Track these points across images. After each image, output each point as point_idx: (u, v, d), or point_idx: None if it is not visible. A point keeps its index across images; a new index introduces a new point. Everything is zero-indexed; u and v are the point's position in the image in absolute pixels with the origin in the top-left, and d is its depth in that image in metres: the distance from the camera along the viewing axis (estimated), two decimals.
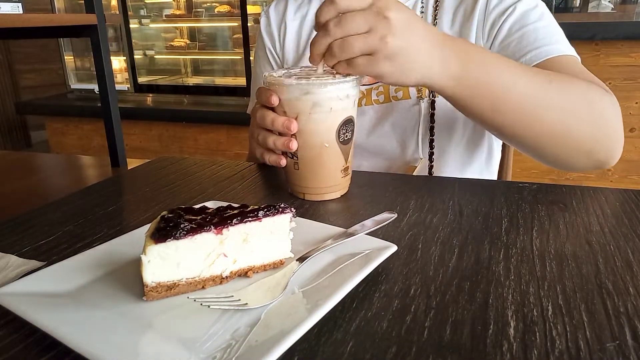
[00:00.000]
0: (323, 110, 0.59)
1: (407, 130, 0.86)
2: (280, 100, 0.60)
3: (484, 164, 0.90)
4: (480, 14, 0.81)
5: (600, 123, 0.66)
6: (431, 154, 0.86)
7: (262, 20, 0.97)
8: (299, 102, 0.59)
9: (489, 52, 0.63)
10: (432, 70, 0.58)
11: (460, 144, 0.87)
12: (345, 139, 0.61)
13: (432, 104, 0.83)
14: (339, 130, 0.60)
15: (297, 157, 0.62)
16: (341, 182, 0.64)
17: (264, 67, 0.98)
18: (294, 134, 0.60)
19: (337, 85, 0.58)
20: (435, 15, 0.84)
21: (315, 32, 0.57)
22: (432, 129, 0.85)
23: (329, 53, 0.56)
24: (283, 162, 0.64)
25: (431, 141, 0.85)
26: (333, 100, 0.59)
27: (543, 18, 0.77)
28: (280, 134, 0.62)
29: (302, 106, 0.59)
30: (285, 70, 0.65)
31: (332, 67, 0.58)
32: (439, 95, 0.82)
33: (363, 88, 0.87)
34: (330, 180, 0.63)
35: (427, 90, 0.83)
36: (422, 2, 0.86)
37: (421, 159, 0.86)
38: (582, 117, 0.64)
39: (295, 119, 0.60)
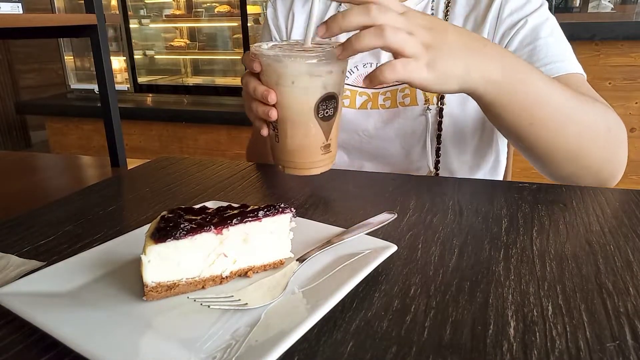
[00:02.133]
0: (300, 84, 0.57)
1: (413, 137, 0.85)
2: (262, 68, 0.59)
3: (490, 172, 0.89)
4: (491, 23, 0.80)
5: (614, 147, 0.68)
6: (437, 162, 0.85)
7: (269, 11, 0.96)
8: (275, 72, 0.58)
9: (522, 59, 0.63)
10: (472, 75, 0.57)
11: (467, 153, 0.86)
12: (326, 115, 0.60)
13: (440, 111, 0.82)
14: (318, 105, 0.59)
15: (277, 130, 0.61)
16: (321, 159, 0.63)
17: None
18: (274, 105, 0.59)
19: (317, 59, 0.56)
20: None
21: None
22: (439, 136, 0.84)
23: (370, 35, 0.52)
24: (264, 131, 0.63)
25: (437, 149, 0.84)
26: (310, 74, 0.57)
27: (553, 33, 0.77)
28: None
29: (279, 77, 0.58)
30: (275, 42, 0.64)
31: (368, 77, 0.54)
32: (446, 103, 0.82)
33: (370, 91, 0.86)
34: (309, 156, 0.62)
35: (434, 98, 0.82)
36: (432, 9, 0.84)
37: (431, 171, 0.86)
38: (599, 139, 0.66)
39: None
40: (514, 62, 0.60)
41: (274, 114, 0.59)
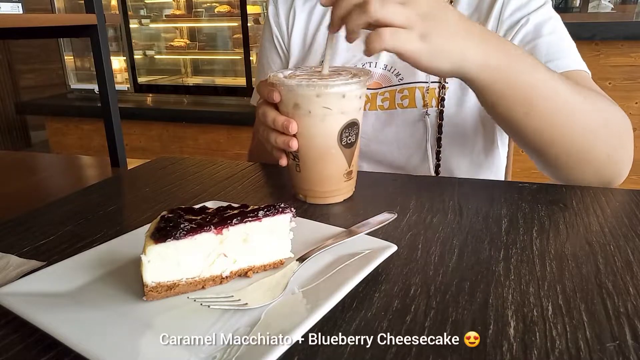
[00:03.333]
0: (324, 113, 0.57)
1: (412, 139, 0.84)
2: (281, 98, 0.59)
3: (490, 174, 0.88)
4: (493, 22, 0.79)
5: (615, 142, 0.66)
6: (437, 166, 0.84)
7: (270, 9, 0.94)
8: (296, 102, 0.58)
9: (524, 51, 0.62)
10: (468, 56, 0.55)
11: (468, 156, 0.85)
12: (349, 142, 0.60)
13: (441, 114, 0.81)
14: (341, 133, 0.58)
15: (298, 159, 0.61)
16: (344, 187, 0.63)
17: (271, 58, 0.95)
18: (294, 134, 0.59)
19: (339, 87, 0.56)
20: None
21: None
22: (439, 140, 0.82)
23: (356, 12, 0.51)
24: (283, 161, 0.62)
25: (438, 152, 0.83)
26: (334, 102, 0.57)
27: (556, 31, 0.76)
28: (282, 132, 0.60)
29: (301, 107, 0.58)
30: (292, 70, 0.64)
31: (358, 38, 0.53)
32: (446, 106, 0.81)
33: (368, 92, 0.85)
34: (332, 184, 0.62)
35: (434, 100, 0.81)
36: None
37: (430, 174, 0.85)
38: (599, 133, 0.65)
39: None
40: (513, 52, 0.59)
41: (294, 145, 0.59)
